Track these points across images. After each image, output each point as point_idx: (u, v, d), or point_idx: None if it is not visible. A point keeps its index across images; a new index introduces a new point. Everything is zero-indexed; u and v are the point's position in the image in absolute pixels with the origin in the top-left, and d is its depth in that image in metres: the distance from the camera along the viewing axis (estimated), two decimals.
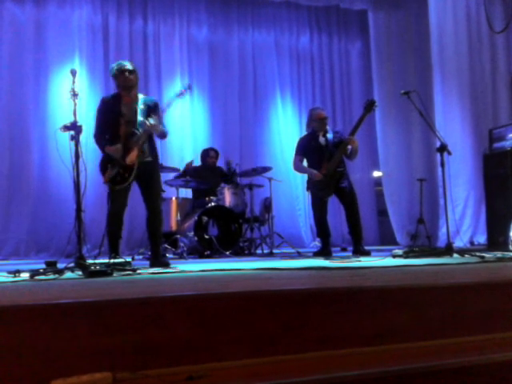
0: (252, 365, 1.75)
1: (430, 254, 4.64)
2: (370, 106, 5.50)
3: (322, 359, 1.81)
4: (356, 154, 5.59)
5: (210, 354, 1.75)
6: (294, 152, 5.93)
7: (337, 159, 5.50)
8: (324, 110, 5.91)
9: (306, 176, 5.92)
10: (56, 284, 2.74)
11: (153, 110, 4.38)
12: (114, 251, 4.35)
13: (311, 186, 5.68)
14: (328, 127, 5.78)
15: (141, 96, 4.45)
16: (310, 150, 5.71)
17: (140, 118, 4.29)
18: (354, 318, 1.97)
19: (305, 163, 5.89)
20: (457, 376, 1.77)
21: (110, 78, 4.52)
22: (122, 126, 4.29)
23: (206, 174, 6.78)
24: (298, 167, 5.90)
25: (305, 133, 6.05)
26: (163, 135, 4.45)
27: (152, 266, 4.17)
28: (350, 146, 5.51)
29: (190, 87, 4.61)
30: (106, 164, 4.30)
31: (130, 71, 4.34)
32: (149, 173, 4.35)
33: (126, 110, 4.33)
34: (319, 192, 5.56)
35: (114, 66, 4.43)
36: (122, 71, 4.31)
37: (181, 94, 4.52)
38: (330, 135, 5.68)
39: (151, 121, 4.20)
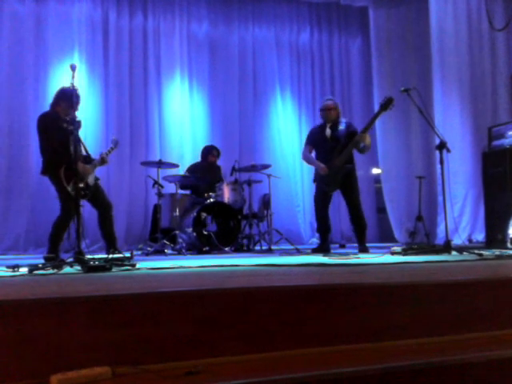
0: (250, 360, 1.76)
1: (428, 251, 4.65)
2: (387, 104, 5.25)
3: (320, 355, 1.82)
4: (368, 149, 5.51)
5: (208, 350, 1.76)
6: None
7: (347, 154, 5.39)
8: (331, 101, 5.73)
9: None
10: (55, 279, 2.74)
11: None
12: (56, 251, 4.53)
13: (318, 178, 5.60)
14: (342, 119, 5.68)
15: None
16: (316, 140, 5.66)
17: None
18: (353, 314, 1.97)
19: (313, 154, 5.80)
20: (456, 373, 1.77)
21: (59, 99, 4.68)
22: (72, 146, 4.35)
23: (206, 172, 6.78)
24: (306, 158, 5.82)
25: (313, 125, 5.99)
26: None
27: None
28: (362, 144, 5.39)
29: (116, 143, 5.29)
30: (71, 176, 4.42)
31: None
32: (99, 189, 4.97)
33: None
34: (324, 186, 5.49)
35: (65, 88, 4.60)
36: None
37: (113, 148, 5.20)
38: (341, 127, 5.56)
39: (106, 157, 4.95)
